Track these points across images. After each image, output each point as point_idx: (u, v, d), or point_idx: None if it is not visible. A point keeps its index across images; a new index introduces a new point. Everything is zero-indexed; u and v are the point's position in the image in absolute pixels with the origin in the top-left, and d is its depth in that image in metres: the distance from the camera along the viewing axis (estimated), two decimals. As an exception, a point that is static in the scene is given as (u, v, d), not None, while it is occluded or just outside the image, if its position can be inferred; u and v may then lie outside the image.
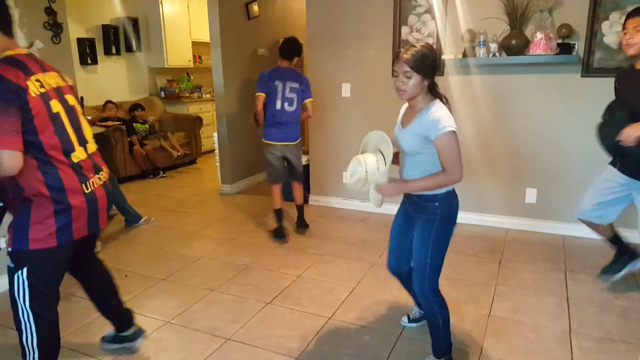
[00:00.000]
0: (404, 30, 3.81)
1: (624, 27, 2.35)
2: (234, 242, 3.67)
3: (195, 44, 7.25)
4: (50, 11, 2.94)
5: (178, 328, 2.45)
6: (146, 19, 6.69)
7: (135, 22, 6.55)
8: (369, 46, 4.00)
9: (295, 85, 3.58)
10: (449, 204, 1.97)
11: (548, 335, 2.33)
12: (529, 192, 3.70)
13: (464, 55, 3.55)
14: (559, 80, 3.42)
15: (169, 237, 3.77)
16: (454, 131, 1.80)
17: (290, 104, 3.58)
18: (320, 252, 3.43)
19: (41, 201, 1.64)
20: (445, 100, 1.93)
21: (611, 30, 3.21)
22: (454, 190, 1.99)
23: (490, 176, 3.78)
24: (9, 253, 1.70)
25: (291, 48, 3.63)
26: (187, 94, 7.29)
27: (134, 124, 5.89)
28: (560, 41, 3.27)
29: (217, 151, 5.18)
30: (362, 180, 1.89)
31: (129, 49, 6.54)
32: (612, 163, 2.57)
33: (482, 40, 3.44)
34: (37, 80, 1.63)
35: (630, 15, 2.32)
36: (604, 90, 2.71)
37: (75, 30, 5.64)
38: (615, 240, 2.77)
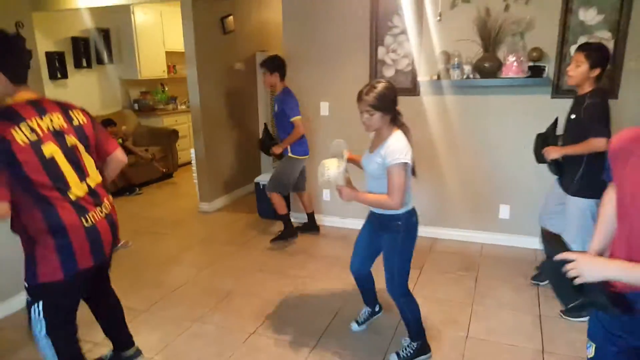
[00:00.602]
0: (381, 50, 3.86)
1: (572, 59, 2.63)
2: (214, 266, 3.65)
3: (169, 54, 7.13)
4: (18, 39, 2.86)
5: (162, 365, 2.44)
6: (117, 30, 6.55)
7: (106, 33, 6.41)
8: (347, 65, 4.03)
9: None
10: (409, 221, 2.25)
11: (521, 357, 2.43)
12: (502, 208, 3.81)
13: (439, 77, 3.62)
14: (530, 101, 3.53)
15: (148, 263, 3.72)
16: (404, 163, 2.07)
17: None
18: (302, 273, 3.45)
19: (43, 237, 1.73)
20: (406, 130, 2.20)
21: (579, 54, 3.33)
22: (413, 208, 2.27)
23: (465, 193, 3.87)
24: (25, 288, 1.81)
25: (285, 67, 3.88)
26: (162, 106, 7.18)
27: (108, 140, 5.76)
28: (531, 64, 3.37)
29: (194, 168, 5.13)
30: (325, 181, 2.23)
31: (100, 61, 6.40)
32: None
33: (456, 62, 3.51)
34: (28, 126, 1.68)
35: (577, 48, 2.60)
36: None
37: (43, 44, 5.49)
38: None
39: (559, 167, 2.80)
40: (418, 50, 3.73)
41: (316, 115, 4.26)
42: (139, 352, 2.41)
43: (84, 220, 1.79)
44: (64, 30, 5.95)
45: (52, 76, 5.72)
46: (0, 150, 1.60)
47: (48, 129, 1.75)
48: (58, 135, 1.78)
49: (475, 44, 3.51)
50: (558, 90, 3.43)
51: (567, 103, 3.36)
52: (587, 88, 2.60)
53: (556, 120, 2.88)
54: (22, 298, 2.96)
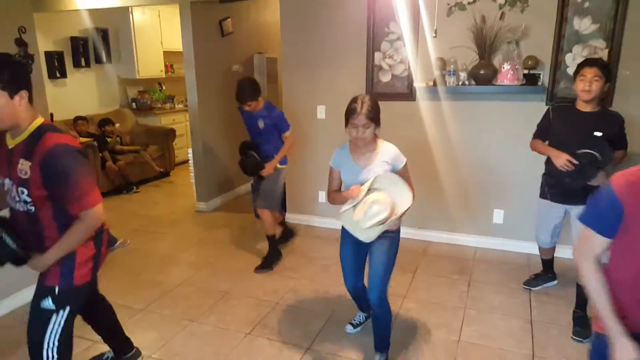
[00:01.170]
0: (377, 55, 3.91)
1: (580, 74, 2.60)
2: (211, 266, 3.69)
3: (166, 53, 7.16)
4: (20, 42, 2.89)
5: (159, 364, 2.48)
6: (116, 30, 6.58)
7: (105, 33, 6.44)
8: (344, 69, 4.08)
9: None
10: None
11: (514, 362, 2.47)
12: (496, 212, 3.87)
13: (435, 83, 3.67)
14: (525, 108, 3.59)
15: (145, 262, 3.76)
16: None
17: None
18: (298, 275, 3.50)
19: (89, 241, 1.82)
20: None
21: (574, 62, 3.37)
22: None
23: (460, 197, 3.92)
24: (53, 296, 1.79)
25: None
26: (159, 105, 7.21)
27: (107, 139, 5.81)
28: (526, 72, 3.43)
29: (191, 168, 5.17)
30: (384, 220, 2.08)
31: (98, 60, 6.42)
32: (542, 196, 2.94)
33: (452, 69, 3.57)
34: None
35: (587, 64, 2.58)
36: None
37: (43, 44, 5.49)
38: (551, 260, 3.23)
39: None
40: (414, 56, 3.78)
41: (312, 119, 4.31)
42: (138, 354, 2.47)
43: (106, 223, 1.92)
44: (63, 30, 5.97)
45: (51, 75, 5.75)
46: (85, 157, 1.74)
47: None
48: None
49: (471, 51, 3.56)
50: (552, 98, 3.48)
51: (561, 111, 3.43)
52: (597, 103, 2.63)
53: (604, 143, 2.56)
54: (25, 294, 2.99)
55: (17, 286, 2.99)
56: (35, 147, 1.66)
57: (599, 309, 1.34)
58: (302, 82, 4.26)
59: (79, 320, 2.11)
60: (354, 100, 2.18)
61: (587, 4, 3.26)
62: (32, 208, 1.73)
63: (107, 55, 6.51)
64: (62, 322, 1.83)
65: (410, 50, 3.78)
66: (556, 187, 2.79)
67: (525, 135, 3.63)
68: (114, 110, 6.64)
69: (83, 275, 1.84)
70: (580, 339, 2.62)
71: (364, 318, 2.81)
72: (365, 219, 2.09)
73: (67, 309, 1.83)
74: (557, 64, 3.43)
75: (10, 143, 1.74)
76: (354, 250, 2.40)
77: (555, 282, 3.28)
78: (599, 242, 1.33)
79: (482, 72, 3.48)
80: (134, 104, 6.99)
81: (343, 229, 2.36)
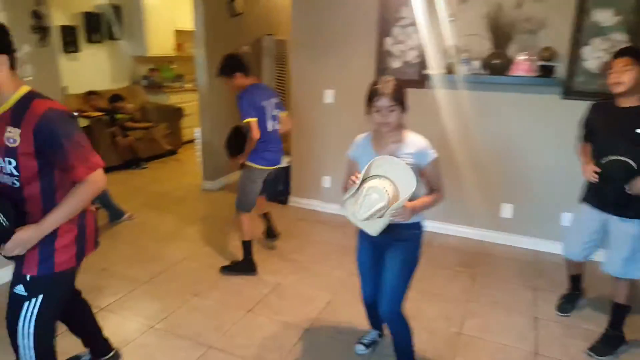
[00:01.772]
0: (388, 41, 3.87)
1: (610, 67, 2.36)
2: (215, 243, 3.72)
3: (177, 33, 7.14)
4: (36, 15, 2.90)
5: (162, 333, 2.51)
6: (128, 6, 6.54)
7: (117, 9, 6.41)
8: (354, 54, 4.04)
9: (275, 100, 3.34)
10: (423, 230, 2.11)
11: (514, 357, 2.46)
12: (505, 206, 3.84)
13: (447, 71, 3.64)
14: (539, 101, 3.55)
15: (151, 236, 3.79)
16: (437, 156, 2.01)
17: (277, 121, 3.32)
18: (300, 258, 3.51)
19: (68, 224, 1.67)
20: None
21: (592, 55, 3.32)
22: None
23: (468, 189, 3.89)
24: (25, 282, 1.67)
25: (244, 60, 3.37)
26: (169, 84, 7.20)
27: (116, 115, 5.83)
28: (542, 63, 3.38)
29: (199, 147, 5.18)
30: (385, 208, 1.79)
31: (111, 36, 6.41)
32: (591, 202, 2.56)
33: (465, 57, 3.53)
34: None
35: (617, 55, 2.35)
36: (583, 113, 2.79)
37: (57, 18, 5.50)
38: (579, 277, 2.94)
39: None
40: (426, 42, 3.73)
41: (320, 103, 4.28)
42: (118, 355, 2.28)
43: (93, 205, 1.81)
44: (78, 4, 5.95)
45: (65, 49, 5.75)
46: (77, 121, 1.66)
47: None
48: None
49: (485, 40, 3.52)
50: (569, 91, 3.42)
51: (577, 105, 3.26)
52: (636, 95, 2.32)
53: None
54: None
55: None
56: (25, 113, 1.54)
57: None
58: (311, 65, 4.24)
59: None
60: (376, 81, 1.94)
61: (609, -4, 3.19)
62: (17, 183, 1.59)
63: (120, 31, 6.50)
64: (36, 311, 1.69)
65: (422, 37, 3.74)
66: (592, 191, 2.55)
67: (538, 129, 3.62)
68: (125, 86, 6.64)
69: (65, 261, 1.70)
70: (598, 356, 2.47)
71: (378, 335, 2.53)
72: (361, 209, 1.79)
73: (40, 297, 1.69)
74: (574, 56, 3.36)
75: None
76: (372, 255, 2.17)
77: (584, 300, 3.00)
78: None
79: (495, 61, 3.44)
80: (144, 81, 6.99)
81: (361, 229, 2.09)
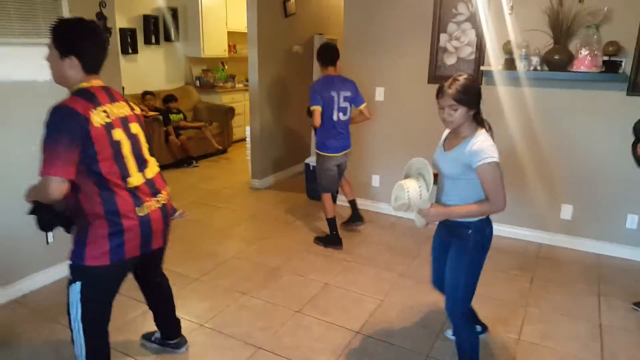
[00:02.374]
0: (443, 37, 3.76)
1: None
2: (263, 242, 3.76)
3: (230, 34, 7.31)
4: (101, 16, 3.03)
5: (211, 332, 2.56)
6: (185, 9, 6.77)
7: (174, 12, 6.63)
8: (406, 51, 3.97)
9: (348, 93, 3.55)
10: (482, 232, 2.02)
11: (577, 366, 2.33)
12: (564, 207, 3.65)
13: (504, 67, 3.48)
14: (602, 98, 3.34)
15: (202, 233, 3.89)
16: (497, 162, 1.87)
17: (345, 113, 3.57)
18: (348, 258, 3.48)
19: (99, 222, 1.74)
20: (488, 128, 2.01)
21: (662, 49, 3.09)
22: (488, 218, 2.04)
23: (526, 189, 3.72)
24: (69, 266, 1.81)
25: (334, 52, 3.59)
26: (221, 84, 7.37)
27: (170, 115, 6.03)
28: (606, 59, 3.17)
29: (248, 145, 5.26)
30: (405, 205, 1.94)
31: (167, 38, 6.64)
32: None
33: (524, 53, 3.36)
34: (104, 111, 1.73)
35: None
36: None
37: (118, 21, 5.74)
38: None
39: None
40: (483, 38, 3.60)
41: (370, 101, 4.21)
42: (183, 342, 2.42)
43: (138, 210, 1.80)
44: (137, 8, 6.21)
45: (124, 51, 6.00)
46: (80, 127, 1.63)
47: (117, 115, 1.79)
48: (124, 122, 1.83)
49: (545, 35, 3.33)
50: (635, 88, 3.20)
51: (644, 101, 3.15)
52: None
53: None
54: (61, 268, 3.13)
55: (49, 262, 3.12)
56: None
57: None
58: (362, 62, 4.19)
59: (134, 285, 2.22)
60: (447, 78, 1.93)
61: (684, -15, 2.95)
62: None
63: (176, 33, 6.72)
64: (78, 296, 1.79)
65: (478, 33, 3.60)
66: None
67: (601, 127, 3.40)
68: (179, 87, 6.87)
69: (95, 257, 1.75)
70: None
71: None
72: (392, 201, 2.01)
73: (79, 283, 1.78)
74: (642, 50, 3.14)
75: None
76: (440, 246, 2.21)
77: None
78: None
79: (556, 57, 3.25)
80: (197, 81, 7.20)
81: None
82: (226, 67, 7.66)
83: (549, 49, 3.30)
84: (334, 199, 4.62)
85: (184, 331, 2.47)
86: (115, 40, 3.37)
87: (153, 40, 6.41)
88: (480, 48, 3.63)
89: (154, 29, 6.40)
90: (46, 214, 1.78)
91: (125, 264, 1.87)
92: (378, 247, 3.68)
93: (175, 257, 3.43)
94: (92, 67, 1.77)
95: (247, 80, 6.32)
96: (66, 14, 2.85)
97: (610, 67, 3.17)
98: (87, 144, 1.65)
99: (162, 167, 1.81)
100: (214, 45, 7.05)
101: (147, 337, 2.44)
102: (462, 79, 1.89)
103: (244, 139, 6.49)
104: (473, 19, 3.61)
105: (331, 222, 3.66)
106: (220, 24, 7.09)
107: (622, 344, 2.50)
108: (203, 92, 7.11)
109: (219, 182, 5.44)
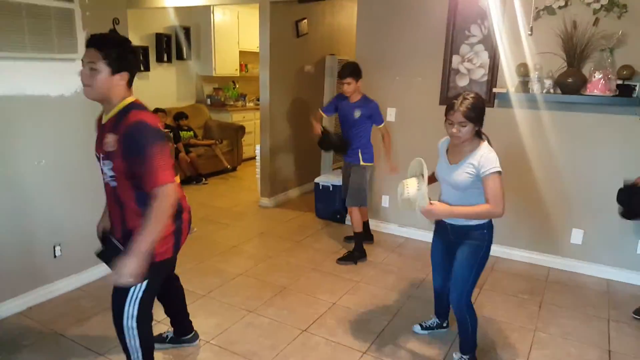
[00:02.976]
0: (455, 59, 3.78)
1: None
2: (271, 260, 3.73)
3: (242, 53, 7.40)
4: (113, 33, 3.08)
5: (217, 350, 2.52)
6: (197, 28, 6.89)
7: (187, 30, 6.75)
8: (418, 72, 3.99)
9: None
10: (492, 231, 2.27)
11: (590, 394, 2.26)
12: (575, 232, 3.59)
13: (517, 89, 3.49)
14: (616, 122, 3.32)
15: (210, 250, 3.87)
16: (500, 172, 2.09)
17: None
18: (356, 278, 3.44)
19: (169, 220, 1.84)
20: (488, 140, 2.21)
21: (676, 74, 3.08)
22: (490, 220, 2.27)
23: (536, 212, 3.69)
24: None
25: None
26: (232, 102, 7.44)
27: (180, 132, 6.08)
28: (620, 82, 3.16)
29: (258, 164, 5.27)
30: (407, 200, 2.18)
31: (179, 56, 6.75)
32: None
33: (537, 75, 3.37)
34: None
35: None
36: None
37: (131, 39, 5.85)
38: None
39: None
40: (496, 60, 3.61)
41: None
42: (196, 336, 2.55)
43: (186, 203, 2.02)
44: (150, 26, 6.33)
45: (136, 68, 6.11)
46: (163, 136, 1.78)
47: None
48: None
49: (559, 58, 3.34)
50: (648, 112, 3.19)
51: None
52: None
53: None
54: (95, 271, 3.19)
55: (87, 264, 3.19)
56: (122, 121, 1.75)
57: None
58: (374, 83, 4.21)
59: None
60: (457, 96, 2.11)
61: (698, 10, 2.96)
62: (115, 183, 1.82)
63: (188, 52, 6.83)
64: (140, 295, 1.89)
65: (491, 55, 3.62)
66: None
67: (614, 152, 3.37)
68: (190, 104, 6.95)
69: (163, 252, 1.89)
70: None
71: (436, 325, 2.74)
72: (398, 197, 2.25)
73: (145, 283, 1.87)
74: (657, 75, 3.13)
75: (104, 119, 1.86)
76: (443, 251, 2.41)
77: None
78: None
79: (569, 80, 3.25)
80: (208, 99, 7.27)
81: (435, 222, 2.43)
82: (237, 86, 7.74)
83: (563, 72, 3.30)
84: (344, 219, 4.61)
85: (190, 347, 2.44)
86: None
87: (165, 59, 6.51)
88: (492, 70, 3.64)
89: (167, 47, 6.51)
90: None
91: (176, 257, 2.02)
92: (386, 268, 3.63)
93: (182, 273, 3.35)
94: (132, 82, 1.87)
95: (257, 99, 6.39)
96: (79, 30, 2.91)
97: (624, 91, 3.16)
98: None
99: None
100: (226, 64, 7.14)
101: (158, 339, 2.46)
102: (471, 97, 2.08)
103: (253, 158, 6.53)
104: (486, 41, 3.63)
105: (360, 235, 3.77)
106: (232, 43, 7.19)
107: (638, 372, 2.43)
108: (214, 110, 7.17)
109: (227, 199, 5.44)
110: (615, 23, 3.18)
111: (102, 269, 3.25)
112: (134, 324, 1.91)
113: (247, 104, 7.63)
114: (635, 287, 3.38)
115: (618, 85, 3.17)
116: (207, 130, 6.82)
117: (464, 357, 2.38)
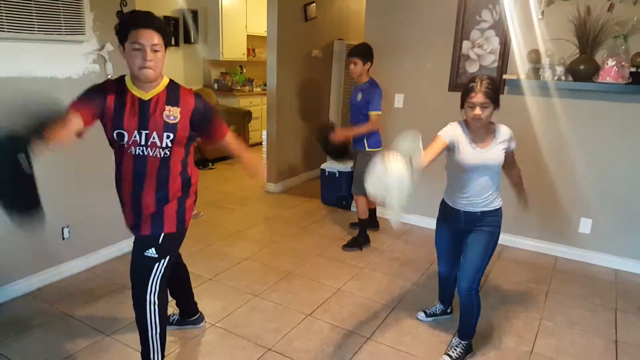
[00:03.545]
0: (465, 44, 3.73)
1: None
2: (276, 245, 3.74)
3: (249, 37, 7.34)
4: (121, 15, 3.06)
5: (222, 332, 2.54)
6: (205, 12, 6.83)
7: (195, 14, 6.69)
8: (427, 58, 3.94)
9: None
10: (502, 216, 2.29)
11: (594, 383, 2.27)
12: (583, 221, 3.56)
13: (528, 76, 3.43)
14: (628, 111, 3.26)
15: (216, 234, 3.88)
16: None
17: None
18: (361, 264, 3.44)
19: (193, 189, 2.05)
20: None
21: (691, 62, 3.02)
22: None
23: (544, 201, 3.66)
24: (157, 245, 1.93)
25: None
26: (239, 87, 7.41)
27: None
28: (634, 70, 3.10)
29: (264, 149, 5.27)
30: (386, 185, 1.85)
31: (187, 40, 6.70)
32: None
33: (548, 62, 3.31)
34: None
35: None
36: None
37: (138, 21, 5.83)
38: None
39: None
40: (506, 46, 3.55)
41: (389, 107, 4.20)
42: (201, 318, 2.58)
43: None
44: (157, 9, 6.23)
45: (144, 51, 6.08)
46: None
47: None
48: None
49: (571, 44, 3.28)
50: (662, 100, 3.14)
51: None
52: None
53: None
54: (103, 254, 3.23)
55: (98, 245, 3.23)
56: (179, 95, 1.88)
57: None
58: (382, 69, 4.16)
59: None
60: (473, 79, 2.10)
61: None
62: (168, 152, 1.88)
63: (196, 35, 6.78)
64: (163, 269, 1.96)
65: (502, 40, 3.56)
66: None
67: (626, 140, 3.32)
68: (197, 89, 6.91)
69: (189, 218, 2.04)
70: None
71: (440, 311, 2.75)
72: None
73: (167, 258, 1.96)
74: (672, 62, 3.06)
75: (145, 96, 1.84)
76: (452, 238, 2.41)
77: None
78: None
79: (581, 67, 3.19)
80: (215, 84, 7.24)
81: (440, 209, 2.42)
82: (244, 71, 7.70)
83: (575, 58, 3.25)
84: (350, 206, 4.61)
85: (195, 329, 2.47)
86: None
87: (173, 42, 6.46)
88: (503, 56, 3.58)
89: (174, 31, 6.46)
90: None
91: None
92: (391, 255, 3.63)
93: (188, 257, 3.39)
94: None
95: (264, 84, 6.35)
96: (87, 11, 2.88)
97: (638, 78, 3.10)
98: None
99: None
100: (233, 48, 7.09)
101: None
102: (487, 78, 2.10)
103: (260, 143, 6.51)
104: (497, 27, 3.57)
105: (365, 222, 3.78)
106: (240, 27, 7.13)
107: (642, 362, 2.42)
108: (221, 95, 7.14)
109: (233, 184, 5.45)
110: (631, 9, 3.11)
111: (109, 251, 3.29)
112: (156, 299, 1.96)
113: (254, 89, 7.59)
114: (643, 277, 3.37)
115: (631, 73, 3.11)
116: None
117: (462, 342, 2.40)
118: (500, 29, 3.56)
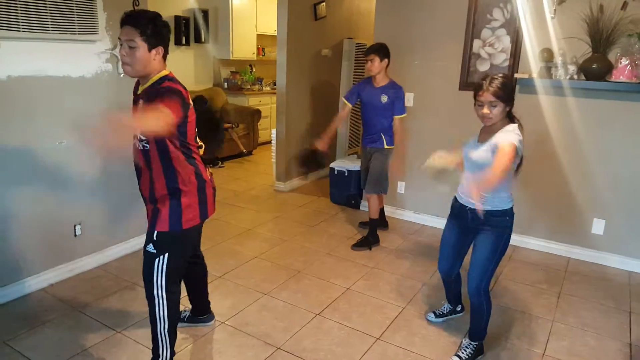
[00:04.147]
0: (476, 43, 3.70)
1: None
2: (286, 244, 3.75)
3: (259, 37, 7.37)
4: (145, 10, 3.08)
5: (232, 330, 2.55)
6: (216, 11, 6.86)
7: (205, 13, 6.73)
8: (438, 57, 3.92)
9: None
10: (513, 217, 2.23)
11: (606, 386, 2.24)
12: (596, 222, 3.52)
13: (540, 75, 3.40)
14: (642, 110, 3.22)
15: (225, 232, 3.90)
16: (516, 145, 2.00)
17: None
18: (371, 264, 3.44)
19: (192, 188, 1.98)
20: (519, 124, 2.16)
21: None
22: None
23: (556, 201, 3.62)
24: (153, 241, 1.96)
25: None
26: (249, 86, 7.43)
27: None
28: (647, 69, 3.06)
29: (274, 148, 5.28)
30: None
31: (198, 39, 6.73)
32: None
33: (560, 61, 3.28)
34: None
35: None
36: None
37: (149, 21, 5.87)
38: None
39: None
40: (518, 45, 3.52)
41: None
42: (211, 317, 2.61)
43: (209, 174, 2.12)
44: (168, 8, 6.32)
45: (154, 51, 6.12)
46: (187, 108, 1.87)
47: None
48: None
49: (583, 43, 3.24)
50: (677, 100, 3.09)
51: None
52: None
53: None
54: (115, 250, 3.27)
55: (105, 244, 3.26)
56: (157, 91, 1.84)
57: None
58: (392, 67, 4.13)
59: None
60: (484, 76, 2.09)
61: None
62: (147, 145, 1.90)
63: (206, 35, 6.81)
64: (165, 266, 1.96)
65: (514, 39, 3.53)
66: None
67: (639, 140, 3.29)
68: (207, 88, 6.95)
69: (190, 219, 1.99)
70: None
71: (448, 311, 2.73)
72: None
73: (166, 255, 1.96)
74: (688, 61, 3.02)
75: (139, 90, 1.96)
76: (457, 237, 2.38)
77: None
78: None
79: (594, 66, 3.16)
80: (225, 83, 7.27)
81: (452, 206, 2.39)
82: (254, 70, 7.72)
83: (587, 57, 3.21)
84: (359, 204, 4.61)
85: (205, 327, 2.48)
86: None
87: (183, 41, 6.51)
88: (514, 55, 3.55)
89: (185, 30, 6.49)
90: None
91: (201, 227, 2.13)
92: (401, 255, 3.62)
93: (198, 254, 3.45)
94: (166, 56, 1.95)
95: (274, 84, 6.36)
96: (100, 11, 2.91)
97: (652, 78, 3.06)
98: (185, 122, 1.88)
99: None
100: (243, 47, 7.12)
101: None
102: (499, 77, 2.07)
103: (269, 142, 6.53)
104: (508, 25, 3.54)
105: (375, 222, 3.75)
106: (250, 26, 7.16)
107: (657, 366, 2.39)
108: (231, 93, 7.17)
109: (243, 183, 5.47)
110: (645, 7, 3.07)
111: (121, 248, 3.32)
112: (164, 294, 1.99)
113: (264, 88, 7.61)
114: (656, 279, 3.33)
115: (646, 72, 3.07)
116: (224, 113, 6.82)
117: (473, 344, 2.38)
118: (511, 27, 3.53)
